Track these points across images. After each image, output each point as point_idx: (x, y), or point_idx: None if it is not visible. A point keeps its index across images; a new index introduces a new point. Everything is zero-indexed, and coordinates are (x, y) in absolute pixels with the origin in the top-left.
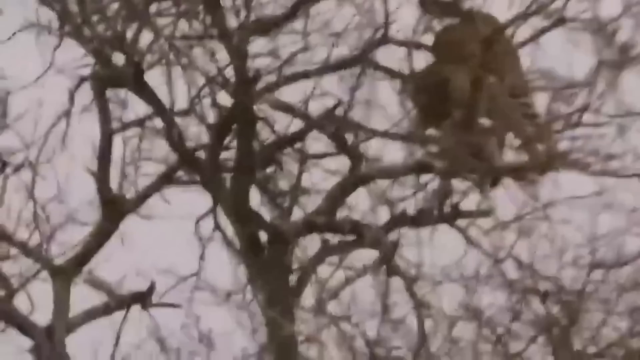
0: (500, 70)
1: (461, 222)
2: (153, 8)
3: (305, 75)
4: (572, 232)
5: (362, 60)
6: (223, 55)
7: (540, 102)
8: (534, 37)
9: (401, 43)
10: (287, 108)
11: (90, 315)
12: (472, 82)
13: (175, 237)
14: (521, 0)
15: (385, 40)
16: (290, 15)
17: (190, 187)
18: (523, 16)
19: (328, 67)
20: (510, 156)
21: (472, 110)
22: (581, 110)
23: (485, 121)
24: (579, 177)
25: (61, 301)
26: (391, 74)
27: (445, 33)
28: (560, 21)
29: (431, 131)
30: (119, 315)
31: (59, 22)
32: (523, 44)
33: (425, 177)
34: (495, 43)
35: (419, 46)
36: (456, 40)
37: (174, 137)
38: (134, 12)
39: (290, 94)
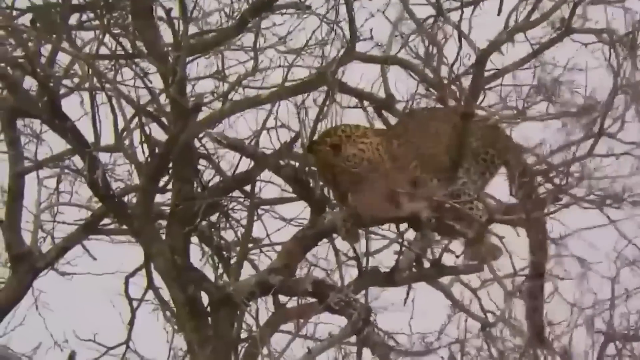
0: None
1: (444, 280)
2: (73, 20)
3: (257, 102)
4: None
5: (325, 80)
6: (156, 79)
7: None
8: (537, 52)
9: (372, 59)
10: (234, 144)
11: None
12: None
13: (100, 298)
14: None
15: (351, 56)
16: (238, 28)
17: (119, 238)
18: (523, 27)
19: (284, 91)
20: None
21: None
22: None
23: None
24: None
25: None
26: (362, 97)
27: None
28: (567, 31)
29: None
30: None
31: None
32: (524, 60)
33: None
34: None
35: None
36: None
37: (97, 179)
38: (50, 25)
39: (238, 126)
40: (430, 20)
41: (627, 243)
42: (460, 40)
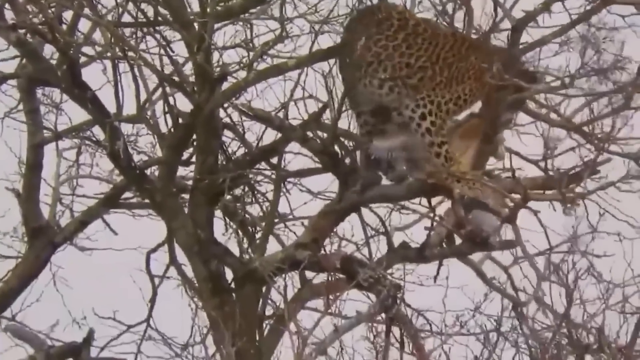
0: None
1: (475, 257)
2: None
3: (282, 70)
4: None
5: None
6: (181, 48)
7: None
8: (575, 23)
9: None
10: (260, 115)
11: None
12: None
13: (121, 275)
14: None
15: None
16: None
17: (141, 212)
18: None
19: (309, 59)
20: None
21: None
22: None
23: None
24: None
25: None
26: None
27: None
28: (606, 2)
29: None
30: None
31: None
32: (562, 30)
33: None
34: None
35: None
36: None
37: (118, 151)
38: None
39: (264, 96)
40: None
41: None
42: (495, 9)
